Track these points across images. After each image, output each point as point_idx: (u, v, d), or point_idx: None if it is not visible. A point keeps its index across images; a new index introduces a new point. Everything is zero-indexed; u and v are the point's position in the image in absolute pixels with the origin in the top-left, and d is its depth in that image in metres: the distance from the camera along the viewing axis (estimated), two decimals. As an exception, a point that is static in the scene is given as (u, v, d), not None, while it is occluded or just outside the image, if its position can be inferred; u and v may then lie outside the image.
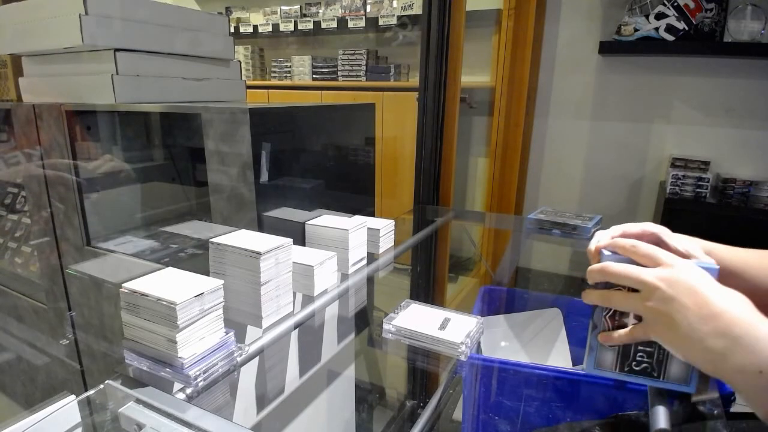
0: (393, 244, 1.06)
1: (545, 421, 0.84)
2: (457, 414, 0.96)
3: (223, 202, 0.95)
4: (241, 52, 3.12)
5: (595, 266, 0.55)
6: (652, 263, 0.51)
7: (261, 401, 0.86)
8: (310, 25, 2.82)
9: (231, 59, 1.41)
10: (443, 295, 1.53)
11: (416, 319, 0.74)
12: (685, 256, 0.55)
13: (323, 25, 2.77)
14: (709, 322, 0.45)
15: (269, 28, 2.98)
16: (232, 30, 3.08)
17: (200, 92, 1.32)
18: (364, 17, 2.63)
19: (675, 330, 0.47)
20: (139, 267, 1.11)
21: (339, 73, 2.78)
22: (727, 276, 0.60)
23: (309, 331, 0.96)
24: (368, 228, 0.99)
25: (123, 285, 0.58)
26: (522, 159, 2.26)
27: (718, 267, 0.52)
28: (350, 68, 2.73)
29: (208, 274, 0.71)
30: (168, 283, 0.59)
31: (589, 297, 0.56)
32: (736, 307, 0.46)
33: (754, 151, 1.97)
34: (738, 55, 1.88)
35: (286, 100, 2.86)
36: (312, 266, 0.79)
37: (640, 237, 0.57)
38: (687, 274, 0.48)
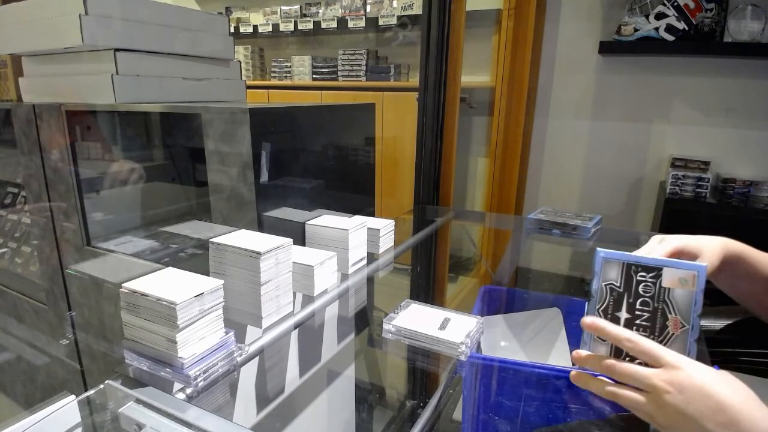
0: (393, 244, 1.06)
1: (545, 421, 0.84)
2: (457, 414, 0.96)
3: (223, 202, 0.95)
4: (241, 52, 3.12)
5: (603, 363, 0.53)
6: (654, 362, 0.50)
7: (261, 401, 0.86)
8: (310, 25, 2.82)
9: (231, 59, 1.41)
10: (443, 295, 1.53)
11: (416, 319, 0.74)
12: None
13: (323, 25, 2.77)
14: (728, 428, 0.45)
15: (269, 28, 2.98)
16: (232, 30, 3.08)
17: (200, 92, 1.32)
18: (364, 17, 2.63)
19: None
20: (139, 267, 1.11)
21: (339, 73, 2.78)
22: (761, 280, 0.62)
23: (309, 331, 0.96)
24: (368, 228, 0.99)
25: (123, 285, 0.58)
26: (522, 159, 2.26)
27: (705, 265, 0.53)
28: (350, 68, 2.73)
29: (208, 274, 0.71)
30: (168, 283, 0.59)
31: (592, 385, 0.54)
32: (753, 408, 0.46)
33: (754, 151, 1.97)
34: (738, 55, 1.88)
35: (286, 100, 2.86)
36: (312, 266, 0.79)
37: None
38: (695, 375, 0.48)
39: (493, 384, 0.85)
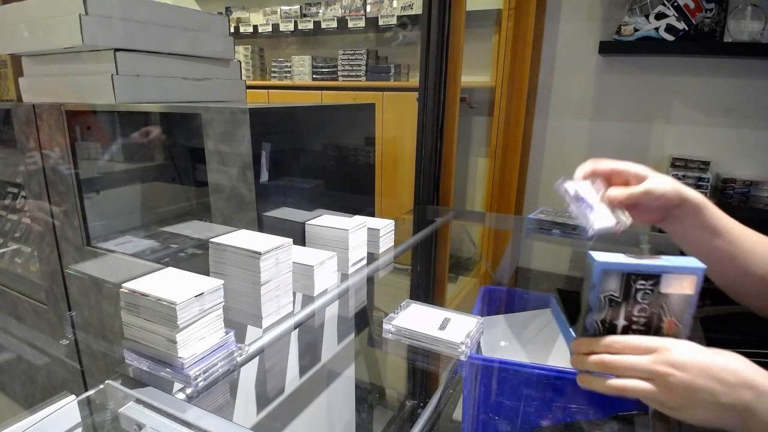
0: (393, 244, 1.06)
1: (545, 421, 0.84)
2: (457, 414, 0.96)
3: (223, 202, 0.95)
4: (241, 52, 3.12)
5: (594, 359, 0.54)
6: (646, 352, 0.51)
7: (261, 401, 0.86)
8: (310, 25, 2.82)
9: (231, 59, 1.41)
10: (443, 295, 1.53)
11: (416, 319, 0.74)
12: (641, 177, 0.61)
13: (323, 25, 2.77)
14: (737, 389, 0.46)
15: (269, 28, 2.98)
16: (232, 30, 3.07)
17: (200, 92, 1.32)
18: (364, 17, 2.62)
19: (703, 408, 0.48)
20: (139, 267, 1.11)
21: (339, 73, 2.78)
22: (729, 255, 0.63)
23: (309, 331, 0.96)
24: (368, 228, 0.98)
25: (123, 285, 0.58)
26: (522, 159, 2.26)
27: (704, 267, 0.52)
28: (350, 68, 2.73)
29: (208, 274, 0.71)
30: (168, 283, 0.59)
31: (602, 386, 0.54)
32: (749, 369, 0.47)
33: (754, 151, 1.97)
34: (738, 55, 1.88)
35: (286, 100, 2.86)
36: (312, 266, 0.79)
37: (610, 175, 0.64)
38: (682, 352, 0.49)
39: (493, 384, 0.85)
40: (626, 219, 0.61)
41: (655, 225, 0.69)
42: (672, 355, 0.49)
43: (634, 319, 0.55)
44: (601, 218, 0.60)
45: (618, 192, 0.62)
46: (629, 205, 0.63)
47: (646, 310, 0.55)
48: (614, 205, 0.62)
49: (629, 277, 0.54)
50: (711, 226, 0.64)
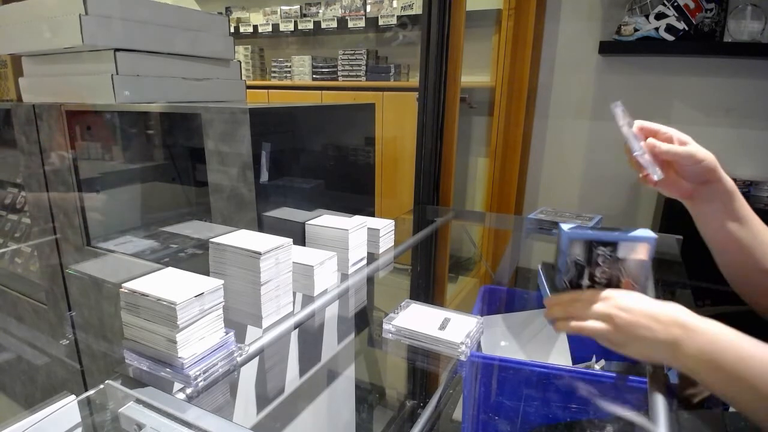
0: (393, 244, 1.06)
1: (545, 421, 0.84)
2: (457, 414, 0.96)
3: (223, 202, 0.95)
4: (241, 52, 3.12)
5: (559, 308, 0.65)
6: (601, 300, 0.62)
7: (261, 401, 0.86)
8: (310, 25, 2.82)
9: (231, 59, 1.41)
10: (443, 295, 1.53)
11: (416, 319, 0.74)
12: (683, 142, 0.64)
13: (323, 25, 2.76)
14: (669, 327, 0.55)
15: (269, 28, 2.98)
16: (232, 30, 3.07)
17: (200, 92, 1.32)
18: (364, 17, 2.62)
19: (643, 343, 0.57)
20: (139, 267, 1.11)
21: (339, 73, 2.78)
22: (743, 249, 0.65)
23: (309, 331, 0.96)
24: (368, 228, 0.98)
25: (123, 285, 0.58)
26: (522, 159, 2.26)
27: (656, 236, 0.62)
28: (350, 68, 2.73)
29: (208, 274, 0.71)
30: (168, 283, 0.59)
31: (567, 327, 0.64)
32: (683, 313, 0.56)
33: (754, 151, 1.97)
34: (738, 55, 1.88)
35: (286, 100, 2.86)
36: (312, 266, 0.79)
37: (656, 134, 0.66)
38: (629, 299, 0.60)
39: (493, 384, 0.85)
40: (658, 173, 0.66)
41: (681, 200, 0.70)
42: (620, 301, 0.60)
43: (596, 279, 0.65)
44: (644, 155, 0.65)
45: (662, 144, 0.64)
46: (665, 163, 0.65)
47: (606, 272, 0.65)
48: (653, 154, 0.64)
49: (591, 244, 0.64)
50: (738, 215, 0.65)
